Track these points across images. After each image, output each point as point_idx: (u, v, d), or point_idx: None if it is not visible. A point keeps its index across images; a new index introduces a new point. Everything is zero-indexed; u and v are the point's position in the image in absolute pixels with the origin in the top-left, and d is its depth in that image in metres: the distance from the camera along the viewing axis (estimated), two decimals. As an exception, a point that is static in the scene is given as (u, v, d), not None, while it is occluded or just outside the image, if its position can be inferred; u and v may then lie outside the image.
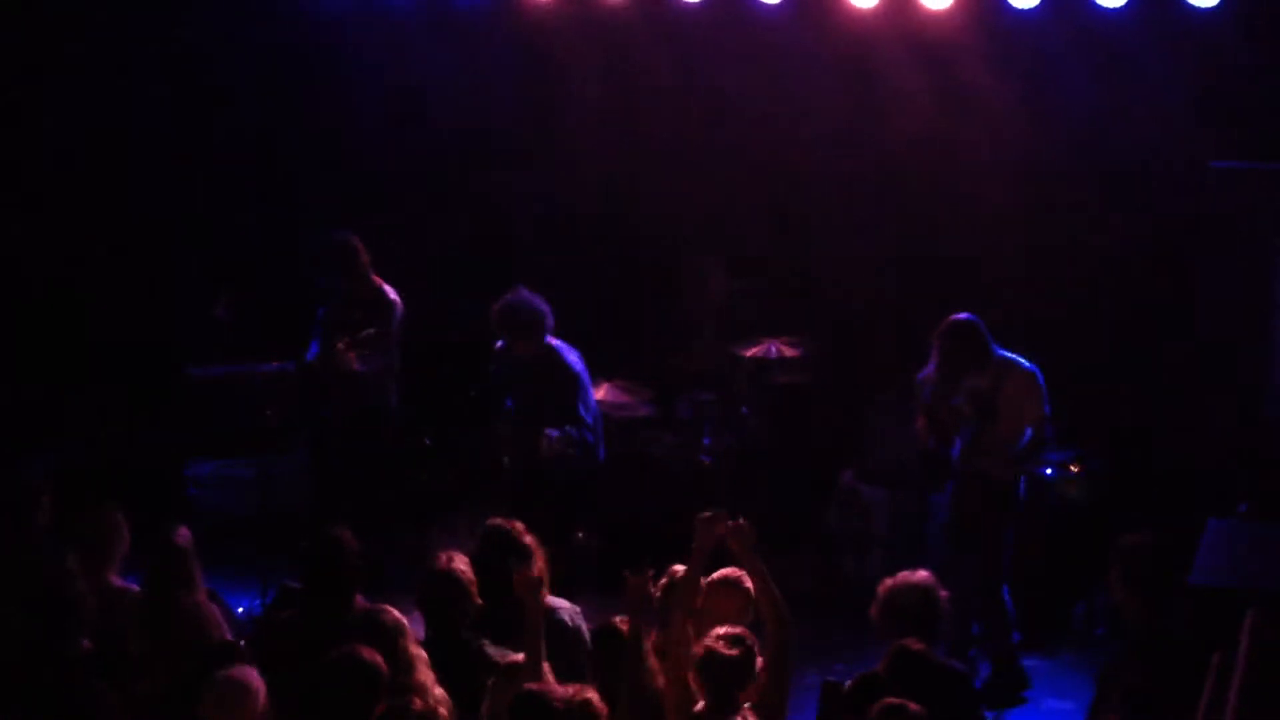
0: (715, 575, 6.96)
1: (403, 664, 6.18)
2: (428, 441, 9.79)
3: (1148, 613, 6.58)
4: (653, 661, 6.36)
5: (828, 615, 9.74)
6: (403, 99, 12.14)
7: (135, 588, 7.40)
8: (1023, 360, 8.71)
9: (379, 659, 5.94)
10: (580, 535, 9.16)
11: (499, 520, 7.21)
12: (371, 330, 9.70)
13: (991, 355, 8.69)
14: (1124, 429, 10.19)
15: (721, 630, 6.15)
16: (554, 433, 9.07)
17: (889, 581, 6.70)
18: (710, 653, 6.04)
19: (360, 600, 6.92)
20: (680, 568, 6.84)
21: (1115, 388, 10.31)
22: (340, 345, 9.65)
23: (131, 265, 11.78)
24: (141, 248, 11.85)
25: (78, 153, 11.77)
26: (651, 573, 6.55)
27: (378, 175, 12.19)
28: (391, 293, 9.94)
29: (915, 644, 6.20)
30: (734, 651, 6.04)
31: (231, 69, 11.84)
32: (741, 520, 6.60)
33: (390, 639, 6.25)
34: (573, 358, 9.31)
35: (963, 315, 8.72)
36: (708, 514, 6.57)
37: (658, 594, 6.82)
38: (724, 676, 6.02)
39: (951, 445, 8.76)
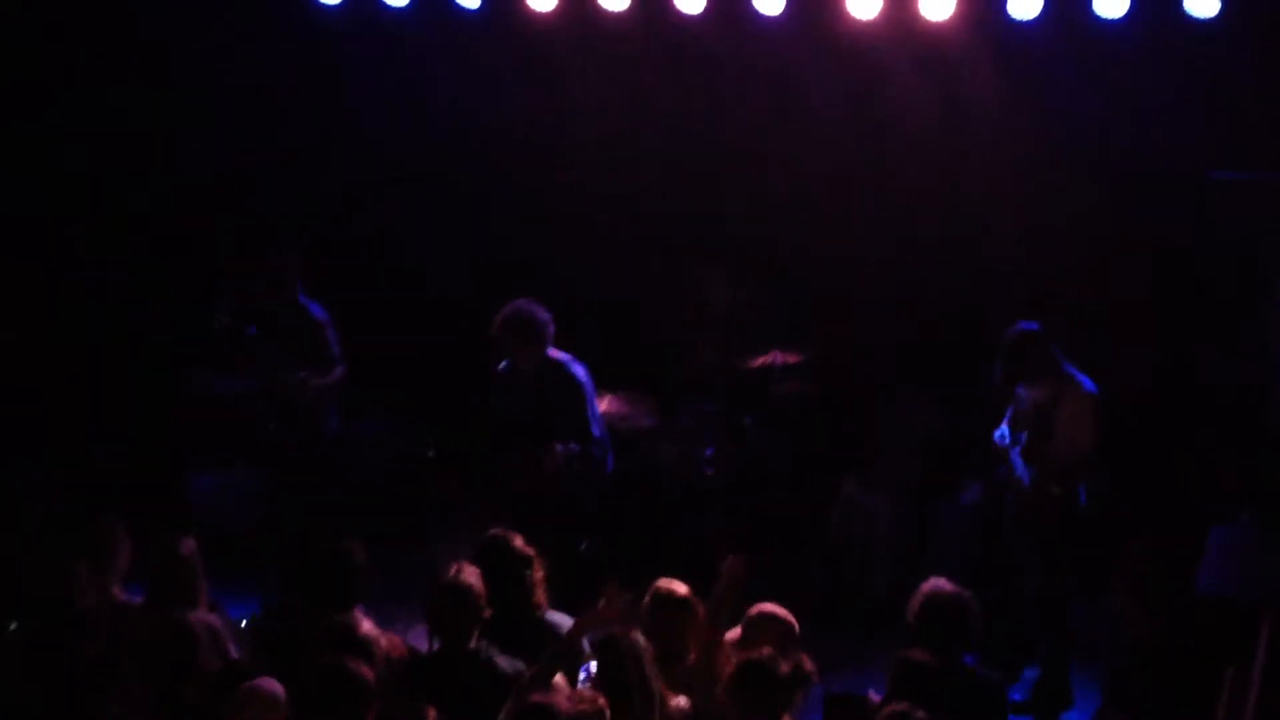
0: (757, 609, 6.97)
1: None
2: (430, 454, 9.76)
3: (1152, 621, 6.59)
4: (657, 674, 6.37)
5: (830, 624, 9.74)
6: (402, 105, 12.17)
7: (137, 601, 7.40)
8: (1085, 381, 8.69)
9: (365, 670, 5.92)
10: (584, 546, 9.14)
11: (497, 532, 7.21)
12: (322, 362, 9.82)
13: (1052, 368, 8.66)
14: (1125, 439, 10.19)
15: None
16: (560, 448, 9.04)
17: (925, 587, 6.70)
18: (757, 665, 6.05)
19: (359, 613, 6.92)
20: (677, 583, 6.86)
21: (1115, 398, 10.30)
22: (304, 375, 9.68)
23: (133, 274, 11.78)
24: (143, 257, 11.85)
25: (79, 164, 11.77)
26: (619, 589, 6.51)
27: (376, 182, 12.21)
28: (319, 312, 9.93)
29: (919, 654, 6.21)
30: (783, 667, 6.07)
31: (237, 77, 11.87)
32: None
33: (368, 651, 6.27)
34: (578, 370, 9.26)
35: (1025, 324, 8.74)
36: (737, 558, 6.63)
37: (649, 603, 6.85)
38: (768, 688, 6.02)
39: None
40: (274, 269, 9.84)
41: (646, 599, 6.92)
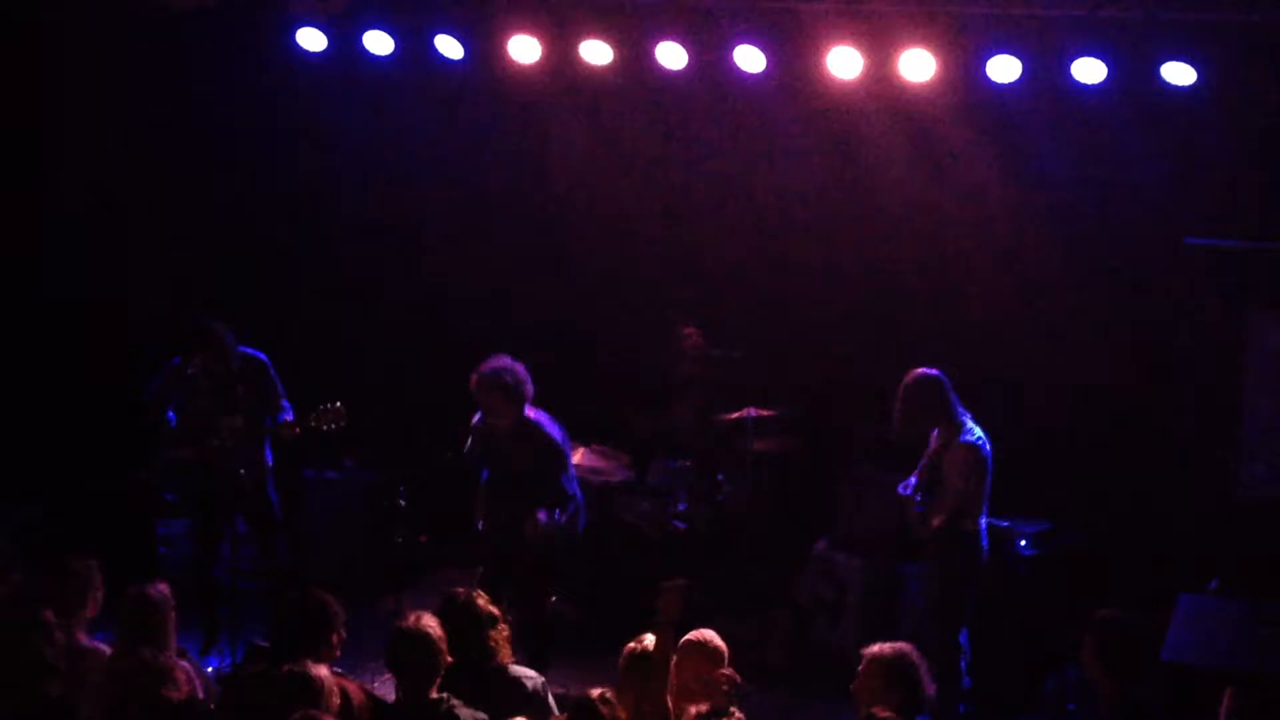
0: (689, 636, 6.97)
1: None
2: (401, 503, 9.72)
3: (1121, 688, 6.57)
4: None
5: (800, 683, 9.73)
6: (385, 158, 12.21)
7: (104, 647, 7.35)
8: (972, 430, 8.78)
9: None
10: (553, 601, 9.09)
11: (460, 590, 7.16)
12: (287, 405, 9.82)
13: (944, 414, 8.77)
14: (1096, 504, 10.21)
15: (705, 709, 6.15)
16: (543, 516, 9.02)
17: (870, 649, 6.69)
18: None
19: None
20: (648, 639, 6.84)
21: (1087, 462, 10.34)
22: (290, 420, 9.71)
23: (111, 318, 11.76)
24: (119, 299, 11.83)
25: (64, 202, 11.77)
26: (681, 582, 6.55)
27: (359, 233, 12.23)
28: (261, 355, 9.96)
29: (883, 712, 6.19)
30: None
31: (225, 126, 11.92)
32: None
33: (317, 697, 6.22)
34: (554, 429, 9.18)
35: (924, 370, 8.82)
36: (673, 583, 6.58)
37: (622, 664, 6.83)
38: None
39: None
40: (207, 332, 9.81)
41: (622, 659, 6.88)
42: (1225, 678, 6.22)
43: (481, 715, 6.47)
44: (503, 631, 7.00)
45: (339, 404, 9.59)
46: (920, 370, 8.88)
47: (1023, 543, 9.58)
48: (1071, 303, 10.56)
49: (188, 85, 11.76)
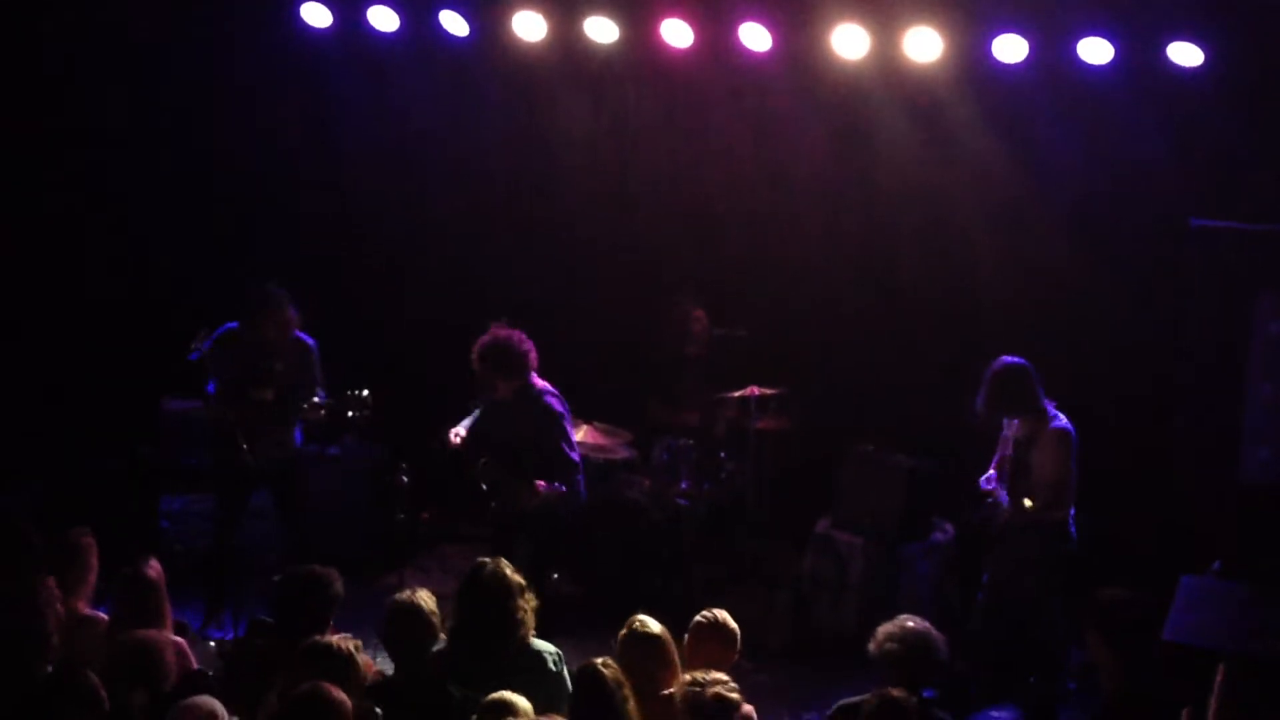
0: (700, 617, 6.97)
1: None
2: (403, 480, 9.72)
3: (1122, 668, 6.58)
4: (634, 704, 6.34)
5: (801, 662, 9.75)
6: (388, 134, 12.18)
7: (103, 616, 7.37)
8: (1059, 417, 8.71)
9: (342, 695, 5.88)
10: (554, 578, 9.08)
11: (486, 560, 7.10)
12: (321, 393, 9.72)
13: (1031, 404, 8.69)
14: (1099, 485, 10.20)
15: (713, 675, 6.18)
16: (543, 485, 9.01)
17: (886, 625, 6.71)
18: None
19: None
20: (640, 619, 6.83)
21: (1090, 443, 10.32)
22: (315, 405, 9.63)
23: (112, 297, 11.76)
24: (121, 279, 11.83)
25: (66, 186, 11.75)
26: None
27: (362, 209, 12.21)
28: (310, 340, 9.91)
29: (897, 692, 6.20)
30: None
31: (224, 98, 11.90)
32: None
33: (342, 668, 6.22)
34: (555, 401, 9.19)
35: (1010, 359, 8.75)
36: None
37: (617, 645, 6.82)
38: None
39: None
40: (272, 298, 9.74)
41: (621, 634, 6.87)
42: (1225, 658, 6.21)
43: (474, 696, 6.44)
44: (530, 601, 6.93)
45: (365, 393, 9.53)
46: (1008, 358, 8.72)
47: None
48: (1076, 283, 10.54)
49: (191, 59, 11.73)
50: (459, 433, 9.25)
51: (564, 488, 9.02)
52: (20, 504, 10.21)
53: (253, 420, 9.60)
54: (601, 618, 9.58)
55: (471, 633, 6.80)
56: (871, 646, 6.72)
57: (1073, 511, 8.74)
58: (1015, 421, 8.74)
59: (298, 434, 9.95)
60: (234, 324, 9.73)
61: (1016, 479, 8.70)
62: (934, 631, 6.73)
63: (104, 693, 6.07)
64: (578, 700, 6.33)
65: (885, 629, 6.72)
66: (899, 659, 6.56)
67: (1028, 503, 8.61)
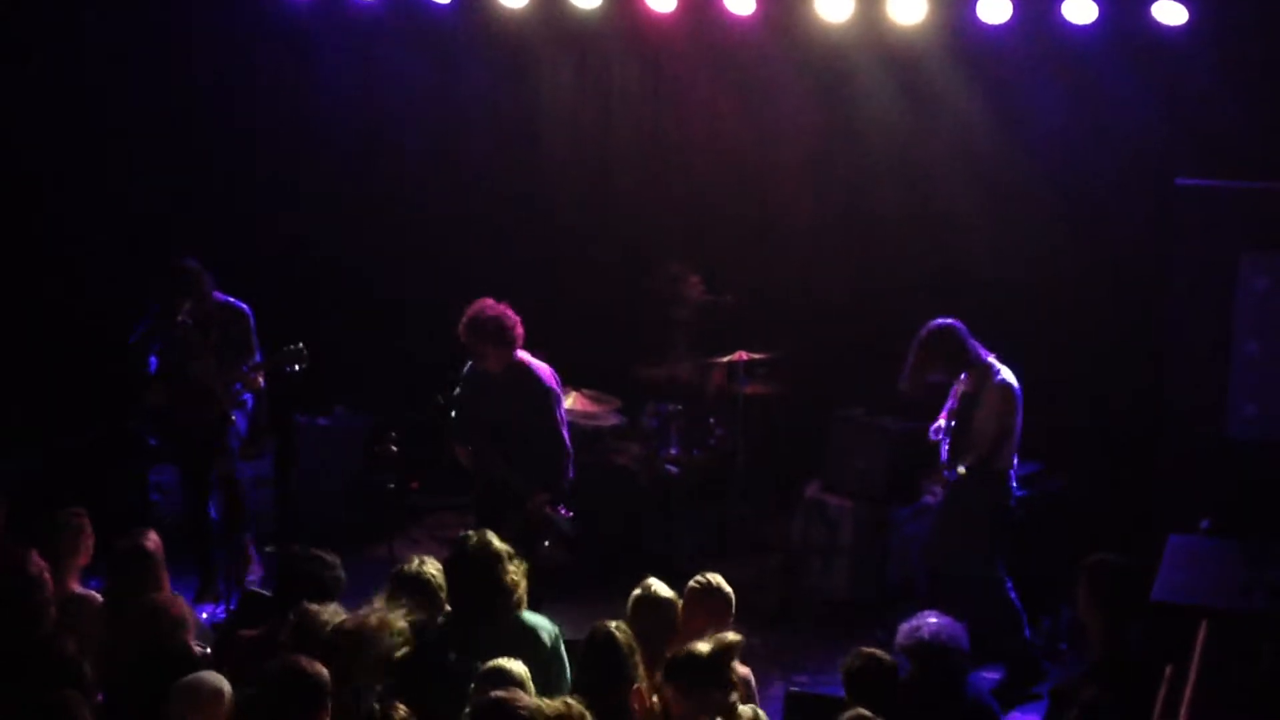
0: (694, 582, 6.96)
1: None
2: (393, 449, 9.71)
3: (1112, 628, 6.60)
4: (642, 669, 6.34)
5: (792, 625, 9.77)
6: (372, 105, 12.15)
7: (95, 594, 7.36)
8: (1000, 370, 8.76)
9: (320, 668, 5.82)
10: (545, 545, 9.07)
11: (473, 531, 7.07)
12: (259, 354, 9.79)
13: (966, 361, 8.75)
14: (1087, 444, 10.23)
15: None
16: (564, 511, 9.08)
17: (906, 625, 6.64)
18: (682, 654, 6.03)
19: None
20: (651, 583, 6.84)
21: (1078, 403, 10.35)
22: (254, 365, 9.67)
23: (101, 268, 11.72)
24: (111, 251, 11.79)
25: (55, 160, 11.71)
26: None
27: (347, 179, 12.18)
28: (243, 306, 9.93)
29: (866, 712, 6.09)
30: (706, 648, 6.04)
31: (206, 76, 11.86)
32: None
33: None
34: (545, 373, 9.13)
35: (938, 321, 8.79)
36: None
37: (630, 608, 6.81)
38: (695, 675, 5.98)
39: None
40: (185, 272, 9.75)
41: (635, 595, 6.85)
42: (1211, 615, 6.25)
43: (473, 664, 6.41)
44: (520, 567, 6.91)
45: (300, 345, 9.52)
46: (935, 321, 8.80)
47: (1013, 484, 9.59)
48: (1061, 244, 10.55)
49: (170, 28, 11.68)
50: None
51: (570, 513, 9.09)
52: (11, 476, 10.19)
53: (196, 392, 9.66)
54: (590, 583, 9.64)
55: (465, 605, 6.79)
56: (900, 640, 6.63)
57: (1014, 465, 8.80)
58: (964, 375, 8.81)
59: (247, 400, 9.98)
60: (157, 306, 9.77)
61: (958, 433, 8.79)
62: (945, 632, 6.58)
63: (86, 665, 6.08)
64: (590, 661, 6.30)
65: (905, 630, 6.61)
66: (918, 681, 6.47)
67: (961, 470, 8.73)
